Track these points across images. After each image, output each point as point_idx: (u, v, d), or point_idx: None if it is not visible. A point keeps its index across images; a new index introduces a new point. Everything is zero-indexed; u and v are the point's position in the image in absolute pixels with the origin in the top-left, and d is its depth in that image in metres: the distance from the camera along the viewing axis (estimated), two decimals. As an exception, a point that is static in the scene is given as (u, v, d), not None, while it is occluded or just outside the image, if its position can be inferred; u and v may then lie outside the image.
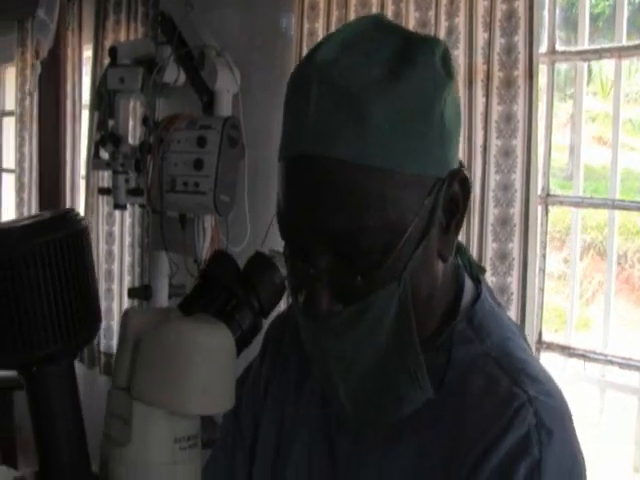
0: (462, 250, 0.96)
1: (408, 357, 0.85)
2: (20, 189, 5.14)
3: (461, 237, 2.45)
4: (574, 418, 0.87)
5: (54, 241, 0.70)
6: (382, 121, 0.78)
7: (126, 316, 0.83)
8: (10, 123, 5.46)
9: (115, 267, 4.13)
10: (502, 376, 0.85)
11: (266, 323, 0.95)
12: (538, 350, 2.62)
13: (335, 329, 0.84)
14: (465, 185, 0.86)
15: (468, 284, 0.93)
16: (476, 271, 0.96)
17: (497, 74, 2.42)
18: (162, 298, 3.07)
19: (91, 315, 0.75)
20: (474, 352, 0.88)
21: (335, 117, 0.79)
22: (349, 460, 0.93)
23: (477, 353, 0.88)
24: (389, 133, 0.79)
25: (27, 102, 4.99)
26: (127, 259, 4.07)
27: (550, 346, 2.67)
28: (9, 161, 5.51)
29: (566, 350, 2.68)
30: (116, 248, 4.12)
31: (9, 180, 5.53)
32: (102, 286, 4.13)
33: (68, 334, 0.71)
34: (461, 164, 0.89)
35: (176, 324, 0.79)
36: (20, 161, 5.14)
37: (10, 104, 5.53)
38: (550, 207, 2.65)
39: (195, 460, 0.81)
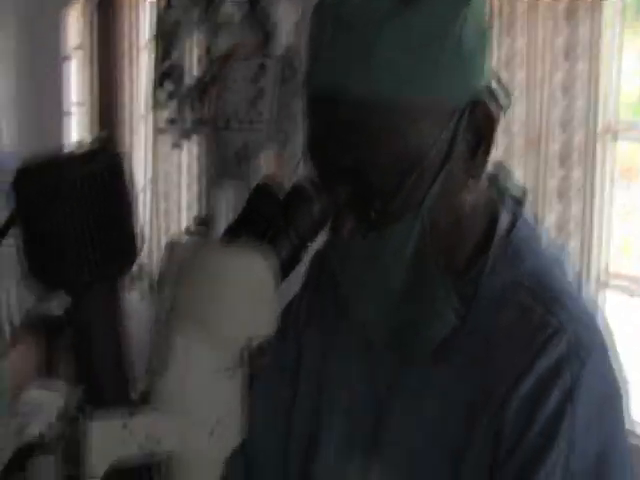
0: (502, 177, 0.93)
1: (429, 288, 0.85)
2: (86, 127, 5.23)
3: (524, 167, 2.40)
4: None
5: (87, 174, 0.71)
6: (388, 51, 0.77)
7: (169, 247, 0.84)
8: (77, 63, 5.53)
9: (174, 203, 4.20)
10: (535, 305, 0.83)
11: (309, 255, 0.95)
12: (604, 284, 2.58)
13: (356, 259, 0.86)
14: (489, 113, 0.82)
15: (505, 213, 0.90)
16: (517, 197, 0.93)
17: (562, -3, 2.33)
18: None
19: (125, 246, 0.76)
20: (505, 281, 0.86)
21: (342, 52, 0.79)
22: (384, 391, 0.93)
23: (509, 282, 0.86)
24: (397, 63, 0.77)
25: (89, 42, 5.06)
26: (186, 195, 4.12)
27: (617, 277, 2.61)
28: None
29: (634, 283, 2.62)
30: (183, 180, 4.18)
31: (77, 119, 5.61)
32: (162, 223, 4.22)
33: (103, 264, 0.73)
34: (497, 81, 0.85)
35: (213, 250, 0.80)
36: (86, 100, 5.21)
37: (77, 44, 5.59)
38: (620, 137, 2.56)
39: (235, 390, 0.82)
